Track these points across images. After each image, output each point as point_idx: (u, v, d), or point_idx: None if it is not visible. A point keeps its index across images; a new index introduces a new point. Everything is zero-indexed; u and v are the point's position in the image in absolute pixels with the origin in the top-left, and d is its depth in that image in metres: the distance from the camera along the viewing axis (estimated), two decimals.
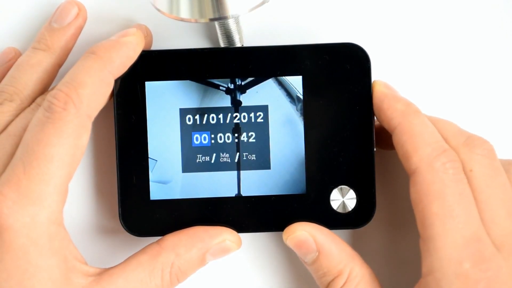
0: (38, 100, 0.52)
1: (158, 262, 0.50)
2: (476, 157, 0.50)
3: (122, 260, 0.51)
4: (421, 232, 0.49)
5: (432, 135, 0.50)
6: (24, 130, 0.49)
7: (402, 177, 0.56)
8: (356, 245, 0.56)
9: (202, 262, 0.51)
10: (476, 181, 0.49)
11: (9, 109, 0.51)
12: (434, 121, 0.52)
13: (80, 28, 0.54)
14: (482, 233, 0.48)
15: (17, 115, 0.51)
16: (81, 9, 0.53)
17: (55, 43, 0.53)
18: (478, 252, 0.48)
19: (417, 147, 0.49)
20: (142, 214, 0.53)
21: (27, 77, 0.52)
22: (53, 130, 0.47)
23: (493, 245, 0.48)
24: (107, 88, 0.49)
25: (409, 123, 0.50)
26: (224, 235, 0.52)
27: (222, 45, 0.54)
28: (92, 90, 0.48)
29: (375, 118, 0.53)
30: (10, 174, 0.47)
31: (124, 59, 0.50)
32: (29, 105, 0.52)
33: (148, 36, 0.54)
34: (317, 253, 0.51)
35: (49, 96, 0.48)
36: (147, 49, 0.54)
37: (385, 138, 0.54)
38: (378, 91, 0.52)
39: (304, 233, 0.51)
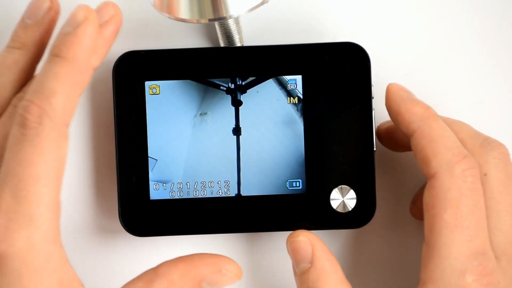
0: (14, 101, 0.50)
1: None
2: (492, 160, 0.50)
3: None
4: (428, 237, 0.49)
5: (452, 140, 0.49)
6: (4, 139, 0.47)
7: (403, 177, 0.55)
8: (355, 246, 0.56)
9: None
10: (488, 186, 0.49)
11: None
12: (450, 122, 0.51)
13: (54, 22, 0.51)
14: (488, 246, 0.48)
15: None
16: (53, 2, 0.51)
17: (29, 39, 0.50)
18: (481, 265, 0.48)
19: (437, 151, 0.49)
20: (142, 214, 0.53)
21: (5, 79, 0.50)
22: (32, 148, 0.45)
23: (495, 257, 0.48)
24: (80, 88, 0.47)
25: (428, 127, 0.50)
26: (221, 264, 0.49)
27: (222, 45, 0.54)
28: (64, 96, 0.46)
29: (376, 120, 0.53)
30: None
31: (87, 52, 0.47)
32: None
33: (118, 14, 0.51)
34: (309, 265, 0.51)
35: (21, 109, 0.46)
36: (118, 26, 0.52)
37: (395, 140, 0.53)
38: (394, 94, 0.51)
39: (306, 240, 0.51)
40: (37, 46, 0.51)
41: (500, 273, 0.48)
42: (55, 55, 0.47)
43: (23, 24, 0.51)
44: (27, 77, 0.51)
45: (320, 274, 0.50)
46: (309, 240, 0.51)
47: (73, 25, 0.47)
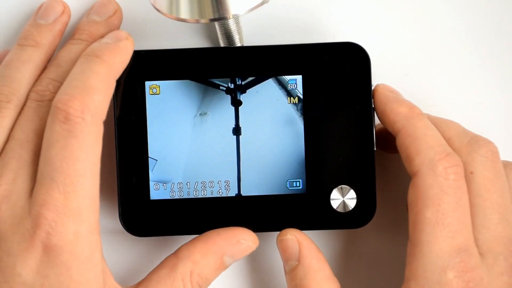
0: (32, 95, 0.51)
1: (177, 273, 0.50)
2: (479, 158, 0.50)
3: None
4: (411, 235, 0.49)
5: (435, 138, 0.50)
6: (35, 134, 0.48)
7: (403, 177, 0.55)
8: (355, 246, 0.56)
9: (221, 265, 0.51)
10: (475, 184, 0.49)
11: (8, 112, 0.50)
12: (438, 121, 0.52)
13: (66, 25, 0.54)
14: (471, 243, 0.48)
15: (16, 116, 0.50)
16: (66, 7, 0.54)
17: (43, 38, 0.52)
18: (463, 262, 0.48)
19: (420, 150, 0.49)
20: (142, 214, 0.53)
21: (21, 75, 0.51)
22: (77, 144, 0.47)
23: (479, 253, 0.49)
24: (112, 92, 0.49)
25: (412, 126, 0.50)
26: (238, 235, 0.52)
27: (222, 45, 0.54)
28: (105, 95, 0.48)
29: (376, 120, 0.53)
30: (44, 195, 0.47)
31: (123, 64, 0.50)
32: (25, 103, 0.51)
33: (119, 12, 0.54)
34: (296, 262, 0.51)
35: (60, 104, 0.47)
36: (119, 22, 0.54)
37: (388, 141, 0.54)
38: (380, 94, 0.52)
39: (293, 239, 0.51)
40: (50, 45, 0.53)
41: (484, 270, 0.48)
42: (95, 56, 0.49)
43: (36, 24, 0.53)
44: (40, 73, 0.52)
45: (307, 272, 0.51)
46: (296, 238, 0.51)
47: (115, 40, 0.50)
